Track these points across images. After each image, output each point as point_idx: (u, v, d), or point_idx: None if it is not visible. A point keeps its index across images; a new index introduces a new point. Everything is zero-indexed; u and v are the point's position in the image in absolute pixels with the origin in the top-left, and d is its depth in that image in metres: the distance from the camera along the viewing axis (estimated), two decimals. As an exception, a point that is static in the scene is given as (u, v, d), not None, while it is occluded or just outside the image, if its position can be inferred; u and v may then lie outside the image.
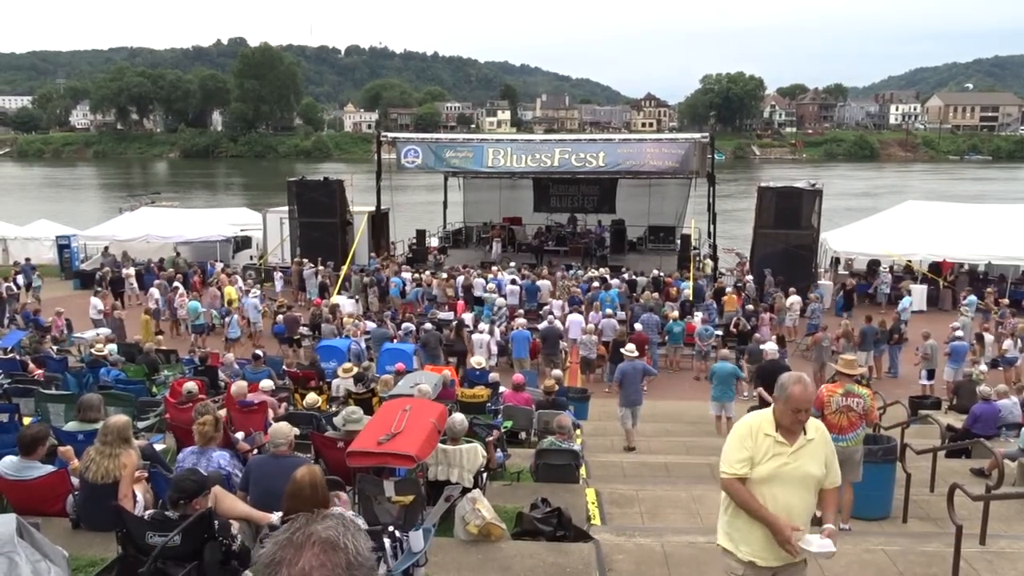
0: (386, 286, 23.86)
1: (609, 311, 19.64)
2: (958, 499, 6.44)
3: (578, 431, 10.99)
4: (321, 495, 4.57)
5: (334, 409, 10.43)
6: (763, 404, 10.49)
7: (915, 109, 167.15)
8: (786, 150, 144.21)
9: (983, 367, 15.07)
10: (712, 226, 28.29)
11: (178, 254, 29.29)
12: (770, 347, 12.13)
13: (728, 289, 22.95)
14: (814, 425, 4.12)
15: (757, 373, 11.69)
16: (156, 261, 28.13)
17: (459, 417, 7.65)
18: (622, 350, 13.99)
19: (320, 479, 4.64)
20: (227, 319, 20.14)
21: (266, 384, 11.14)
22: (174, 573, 4.42)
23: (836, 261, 27.98)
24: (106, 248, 30.04)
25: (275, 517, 5.04)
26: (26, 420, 9.29)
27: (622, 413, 12.76)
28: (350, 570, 1.38)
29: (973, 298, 21.60)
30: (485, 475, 7.72)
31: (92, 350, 15.12)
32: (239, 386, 10.01)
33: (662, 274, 24.86)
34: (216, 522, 4.71)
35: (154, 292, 22.63)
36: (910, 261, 26.04)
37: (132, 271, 26.22)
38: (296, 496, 4.45)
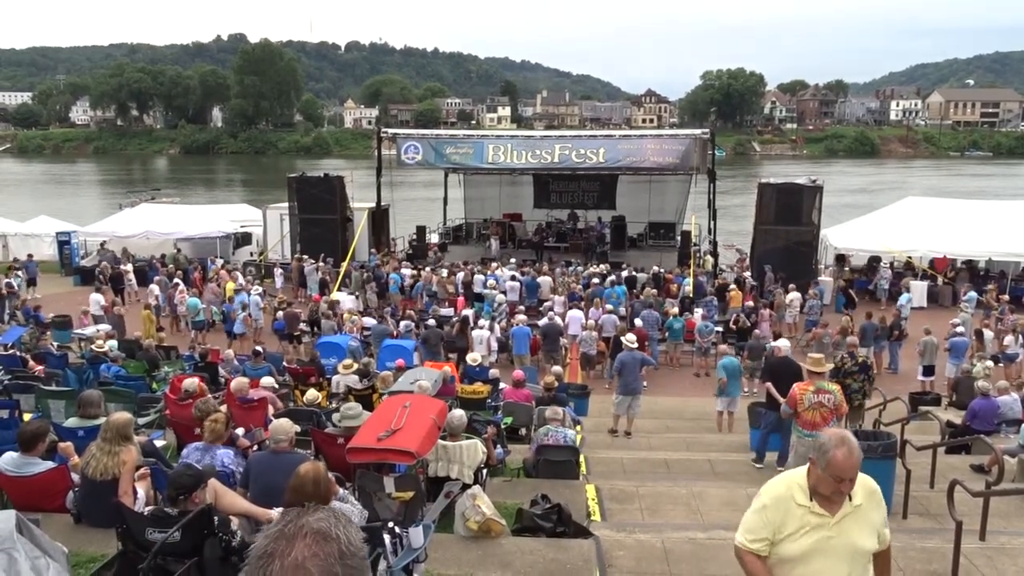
0: (385, 282, 23.86)
1: (609, 307, 19.65)
2: (958, 495, 6.44)
3: (578, 427, 10.99)
4: (324, 491, 4.58)
5: (334, 405, 10.43)
6: (770, 399, 10.51)
7: (916, 105, 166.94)
8: (787, 146, 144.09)
9: (989, 363, 15.08)
10: (712, 222, 28.26)
11: (179, 250, 29.29)
12: (783, 343, 12.04)
13: (732, 287, 22.93)
14: (863, 487, 3.43)
15: (766, 369, 11.67)
16: (158, 257, 28.14)
17: (458, 413, 7.66)
18: (622, 339, 14.03)
19: (323, 475, 4.65)
20: (240, 313, 20.03)
21: (267, 381, 11.15)
22: (174, 569, 4.42)
23: (840, 258, 27.98)
24: (102, 244, 30.08)
25: (275, 513, 5.04)
26: (26, 416, 9.28)
27: (618, 400, 12.84)
28: (343, 559, 1.40)
29: (973, 294, 21.60)
30: (485, 471, 7.72)
31: (92, 346, 15.13)
32: (239, 382, 10.01)
33: (662, 270, 24.85)
34: (216, 518, 4.72)
35: (154, 288, 22.63)
36: (910, 257, 26.03)
37: (130, 267, 26.23)
38: (299, 491, 4.46)
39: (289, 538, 1.39)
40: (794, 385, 8.64)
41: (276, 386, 11.48)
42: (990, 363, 15.03)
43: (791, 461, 8.67)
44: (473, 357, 15.10)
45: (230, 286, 22.26)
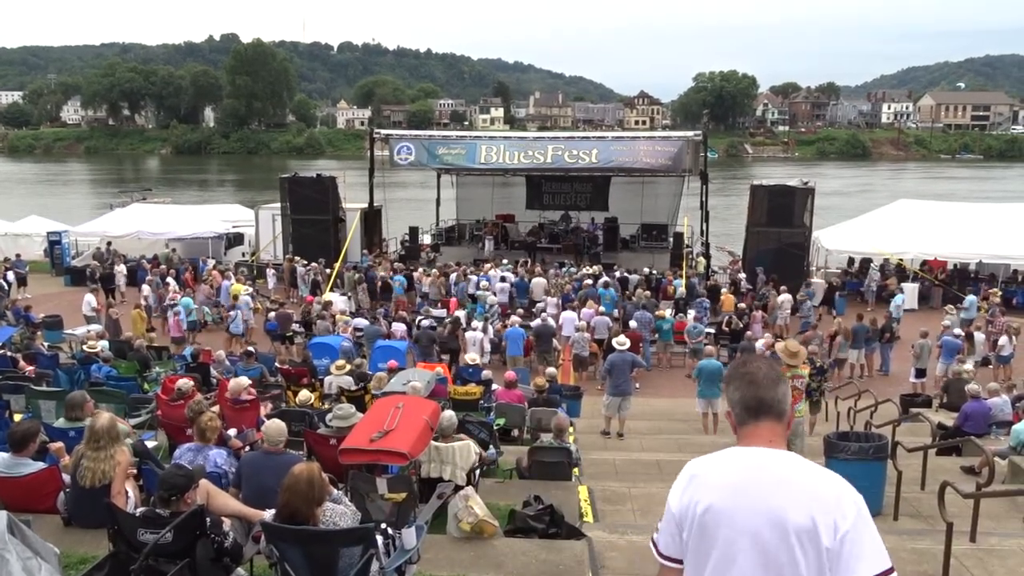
0: (378, 283, 23.75)
1: (602, 308, 19.65)
2: (948, 497, 6.46)
3: (571, 428, 10.99)
4: (318, 491, 4.57)
5: (327, 406, 10.40)
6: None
7: (907, 108, 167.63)
8: (779, 148, 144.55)
9: (969, 365, 15.17)
10: (705, 224, 28.32)
11: (173, 250, 29.20)
12: (758, 345, 12.14)
13: (724, 289, 22.94)
14: None
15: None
16: (150, 258, 28.02)
17: (450, 414, 7.65)
18: (614, 341, 14.05)
19: (318, 476, 4.64)
20: (232, 313, 19.96)
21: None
22: (166, 570, 4.40)
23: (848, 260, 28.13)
24: (108, 243, 30.03)
25: (267, 514, 5.03)
26: (17, 417, 9.24)
27: (608, 402, 12.86)
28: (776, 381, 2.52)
29: (973, 298, 21.66)
30: (478, 472, 7.72)
31: (84, 346, 15.05)
32: (237, 383, 9.96)
33: (656, 272, 24.87)
34: (208, 519, 4.70)
35: (146, 288, 22.52)
36: (900, 260, 26.13)
37: (123, 267, 26.12)
38: (292, 490, 4.45)
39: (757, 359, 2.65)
40: None
41: (251, 386, 11.38)
42: (970, 367, 15.13)
43: None
44: (472, 358, 15.12)
45: (236, 287, 21.95)
